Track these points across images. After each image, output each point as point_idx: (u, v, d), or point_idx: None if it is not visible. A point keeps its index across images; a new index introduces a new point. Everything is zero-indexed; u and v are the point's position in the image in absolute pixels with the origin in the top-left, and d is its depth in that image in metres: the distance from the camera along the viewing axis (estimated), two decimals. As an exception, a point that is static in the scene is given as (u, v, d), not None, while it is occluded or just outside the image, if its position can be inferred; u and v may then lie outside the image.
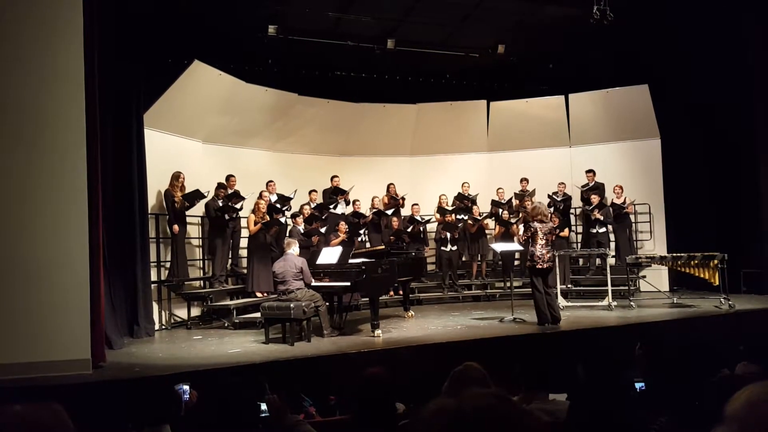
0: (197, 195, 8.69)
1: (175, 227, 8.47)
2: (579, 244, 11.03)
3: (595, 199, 10.42)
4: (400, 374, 2.91)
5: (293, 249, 7.26)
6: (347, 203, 10.61)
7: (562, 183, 11.01)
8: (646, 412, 2.34)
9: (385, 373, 2.75)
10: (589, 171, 10.99)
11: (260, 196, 9.42)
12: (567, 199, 10.93)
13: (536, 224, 7.48)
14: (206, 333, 7.99)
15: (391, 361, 5.92)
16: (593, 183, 10.90)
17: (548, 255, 7.42)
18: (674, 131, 10.74)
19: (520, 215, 10.91)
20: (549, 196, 10.84)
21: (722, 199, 9.98)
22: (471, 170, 11.80)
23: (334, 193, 10.49)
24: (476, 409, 1.00)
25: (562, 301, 9.01)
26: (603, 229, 10.43)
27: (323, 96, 10.87)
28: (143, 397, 3.03)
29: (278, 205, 9.46)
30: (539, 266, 7.39)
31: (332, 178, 10.60)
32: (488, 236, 10.98)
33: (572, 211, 11.21)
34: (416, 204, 10.85)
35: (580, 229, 11.28)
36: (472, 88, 11.90)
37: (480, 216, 10.82)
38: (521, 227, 9.03)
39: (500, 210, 10.91)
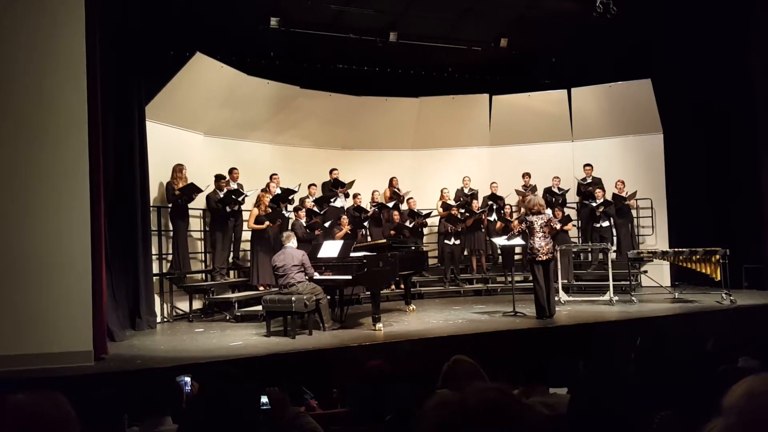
0: (194, 189, 8.59)
1: None
2: (580, 239, 11.01)
3: (599, 193, 10.38)
4: (400, 367, 2.91)
5: (292, 242, 7.27)
6: (347, 196, 10.58)
7: (557, 177, 10.99)
8: (647, 406, 2.34)
9: (385, 365, 2.76)
10: (587, 165, 10.96)
11: (265, 190, 9.34)
12: (564, 192, 10.91)
13: (532, 217, 7.49)
14: (208, 326, 8.01)
15: (392, 354, 5.93)
16: (591, 178, 10.89)
17: (547, 247, 7.42)
18: (677, 126, 10.70)
19: (521, 211, 10.91)
20: (546, 191, 10.84)
21: (724, 194, 9.96)
22: (473, 164, 11.77)
23: (334, 186, 10.46)
24: (478, 403, 1.01)
25: (563, 296, 9.02)
26: (606, 224, 10.41)
27: (325, 89, 10.84)
28: (145, 389, 3.04)
29: (283, 196, 9.42)
30: (538, 258, 7.41)
31: (331, 171, 10.57)
32: (482, 230, 10.91)
33: (572, 205, 11.17)
34: (411, 198, 10.81)
35: (579, 223, 11.24)
36: (474, 81, 11.85)
37: (478, 210, 10.79)
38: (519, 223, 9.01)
39: (493, 204, 10.88)
